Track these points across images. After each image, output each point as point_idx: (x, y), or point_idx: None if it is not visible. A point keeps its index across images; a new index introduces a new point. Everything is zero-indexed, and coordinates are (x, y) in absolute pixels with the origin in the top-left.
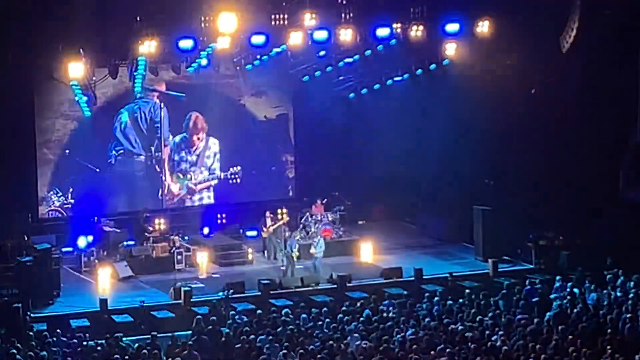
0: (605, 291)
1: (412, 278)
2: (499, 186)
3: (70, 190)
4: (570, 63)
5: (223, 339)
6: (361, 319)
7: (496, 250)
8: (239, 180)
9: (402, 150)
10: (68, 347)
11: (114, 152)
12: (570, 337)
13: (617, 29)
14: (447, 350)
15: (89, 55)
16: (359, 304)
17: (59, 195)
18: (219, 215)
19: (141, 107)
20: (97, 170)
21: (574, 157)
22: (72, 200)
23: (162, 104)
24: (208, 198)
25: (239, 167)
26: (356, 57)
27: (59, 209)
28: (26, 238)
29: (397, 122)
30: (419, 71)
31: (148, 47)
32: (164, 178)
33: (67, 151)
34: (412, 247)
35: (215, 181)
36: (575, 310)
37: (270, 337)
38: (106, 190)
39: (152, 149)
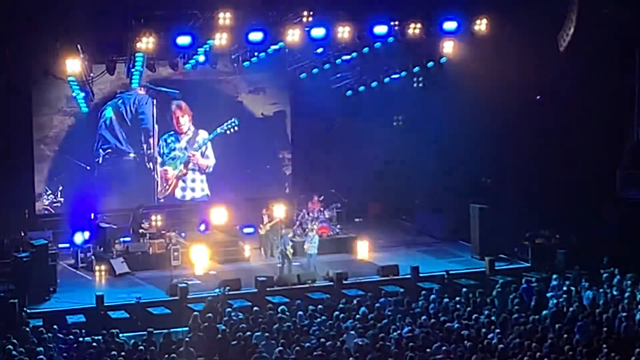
0: (601, 290)
1: (409, 276)
2: (496, 184)
3: (60, 188)
4: (568, 61)
5: (219, 335)
6: (357, 316)
7: (493, 249)
8: (237, 128)
9: (399, 148)
10: (64, 343)
11: (100, 150)
12: (566, 335)
13: (615, 28)
14: (443, 348)
15: (87, 52)
16: (355, 302)
17: (48, 193)
18: (215, 212)
19: (125, 101)
20: (88, 168)
21: (571, 156)
22: (62, 199)
23: (150, 98)
24: (202, 190)
25: (233, 118)
26: (354, 54)
27: (48, 207)
28: (23, 234)
29: (394, 120)
30: (417, 69)
31: (146, 43)
32: (156, 175)
33: (57, 148)
34: (408, 245)
35: (211, 161)
36: (571, 309)
37: (267, 334)
38: (98, 189)
39: (145, 146)
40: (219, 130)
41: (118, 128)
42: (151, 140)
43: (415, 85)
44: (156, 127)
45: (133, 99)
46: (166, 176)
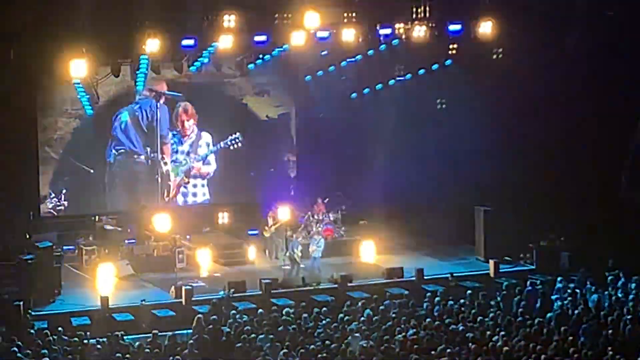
0: (606, 292)
1: (413, 278)
2: (500, 187)
3: (63, 191)
4: (572, 64)
5: (224, 338)
6: (362, 318)
7: (497, 251)
8: (239, 144)
9: (403, 150)
10: (69, 345)
11: (114, 151)
12: (571, 338)
13: (619, 29)
14: (448, 350)
15: (92, 54)
16: (360, 304)
17: (51, 197)
18: (220, 215)
19: (142, 107)
20: (91, 171)
21: (576, 158)
22: (66, 202)
23: (162, 103)
24: (203, 195)
25: (237, 133)
26: (358, 57)
27: (51, 210)
28: (27, 236)
29: (398, 122)
30: (422, 71)
31: (151, 45)
32: (160, 179)
33: (61, 151)
34: (413, 247)
35: (212, 167)
36: (576, 312)
37: (271, 337)
38: (104, 190)
39: (149, 149)
40: (222, 144)
41: (133, 132)
42: (164, 147)
43: (419, 87)
44: (170, 134)
45: (149, 105)
46: (168, 182)
